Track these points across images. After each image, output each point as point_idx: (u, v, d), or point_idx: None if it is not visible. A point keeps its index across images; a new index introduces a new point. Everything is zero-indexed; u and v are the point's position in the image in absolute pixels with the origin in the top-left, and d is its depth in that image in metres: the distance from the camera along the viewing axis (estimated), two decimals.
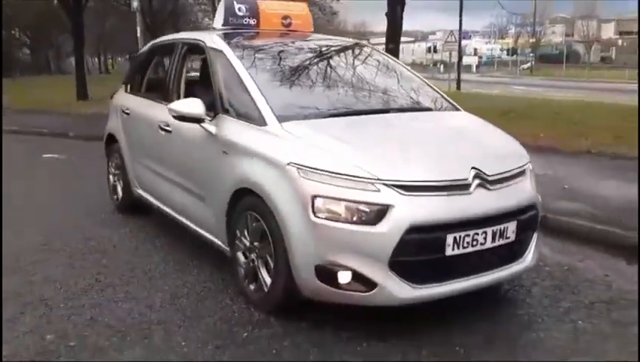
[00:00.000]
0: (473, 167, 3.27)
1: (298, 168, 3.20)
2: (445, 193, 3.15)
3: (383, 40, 13.45)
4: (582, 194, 5.92)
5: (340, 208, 3.07)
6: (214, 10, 29.98)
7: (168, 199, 4.61)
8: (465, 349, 3.11)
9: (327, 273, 3.11)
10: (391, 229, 3.01)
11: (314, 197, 3.11)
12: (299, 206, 3.16)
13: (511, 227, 3.33)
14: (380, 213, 3.04)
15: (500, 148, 3.73)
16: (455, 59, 28.30)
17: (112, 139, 5.79)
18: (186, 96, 4.56)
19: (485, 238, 3.22)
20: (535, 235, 3.62)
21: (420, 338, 3.20)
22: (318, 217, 3.10)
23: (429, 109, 4.20)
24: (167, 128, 4.46)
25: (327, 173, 3.13)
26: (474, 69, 50.73)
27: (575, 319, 3.46)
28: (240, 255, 3.70)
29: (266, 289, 3.45)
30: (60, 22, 25.15)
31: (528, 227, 3.50)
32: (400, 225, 3.02)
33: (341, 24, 46.85)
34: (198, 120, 3.90)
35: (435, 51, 51.97)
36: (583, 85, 31.96)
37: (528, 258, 3.56)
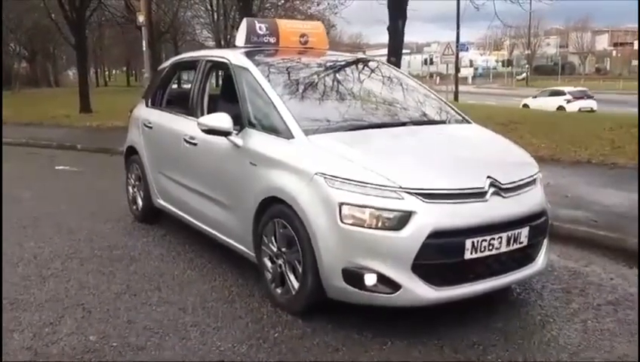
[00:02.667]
0: (488, 176, 3.50)
1: (325, 178, 3.43)
2: (463, 200, 3.38)
3: (380, 52, 13.77)
4: (584, 202, 6.17)
5: (365, 215, 3.30)
6: (213, 22, 30.09)
7: (191, 209, 4.83)
8: (483, 346, 3.32)
9: (353, 275, 3.34)
10: (414, 234, 3.24)
11: (341, 204, 3.34)
12: (326, 213, 3.38)
13: (524, 232, 3.56)
14: (403, 219, 3.26)
15: (511, 159, 3.98)
16: (451, 71, 28.69)
17: (132, 152, 6.00)
18: (209, 111, 4.79)
19: (500, 243, 3.45)
20: (545, 240, 3.85)
21: (441, 337, 3.42)
22: (345, 223, 3.33)
23: (442, 122, 4.44)
24: (193, 141, 4.68)
25: (353, 182, 3.36)
26: (470, 81, 51.26)
27: (584, 319, 3.68)
28: (267, 260, 3.91)
29: (293, 292, 3.67)
30: (58, 34, 25.34)
31: (539, 232, 3.73)
32: (422, 230, 3.25)
33: (337, 36, 47.37)
34: (225, 133, 4.13)
35: (432, 63, 52.55)
36: None
37: (539, 261, 3.79)
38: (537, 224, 3.68)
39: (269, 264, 3.90)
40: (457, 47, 26.63)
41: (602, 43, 70.45)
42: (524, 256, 3.67)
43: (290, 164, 3.68)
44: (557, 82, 45.60)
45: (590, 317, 3.71)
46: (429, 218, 3.27)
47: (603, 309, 3.84)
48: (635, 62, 59.81)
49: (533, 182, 3.80)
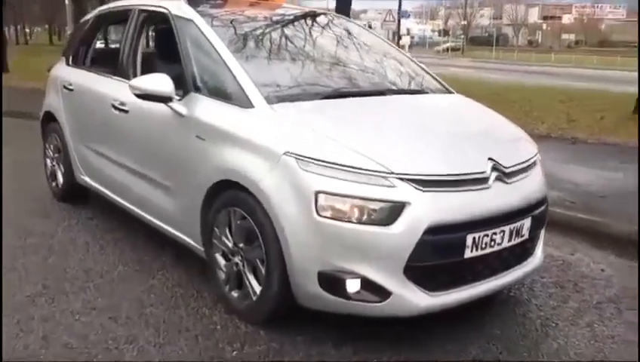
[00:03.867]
0: (490, 158, 2.92)
1: (298, 159, 2.75)
2: (464, 188, 2.79)
3: None
4: (554, 180, 5.74)
5: (348, 206, 2.65)
6: None
7: (123, 189, 4.02)
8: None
9: (332, 281, 2.70)
10: (408, 230, 2.62)
11: (317, 193, 2.67)
12: (298, 203, 2.71)
13: (526, 224, 3.03)
14: (395, 211, 2.63)
15: (508, 136, 3.41)
16: (391, 38, 28.24)
17: (50, 118, 5.08)
18: (144, 71, 3.97)
19: (502, 237, 2.90)
20: (542, 231, 3.34)
21: (433, 351, 2.85)
22: (322, 216, 2.67)
23: (424, 91, 3.81)
24: (123, 107, 3.86)
25: (332, 166, 2.69)
26: (407, 49, 51.19)
27: (589, 322, 3.21)
28: (219, 257, 3.21)
29: (254, 298, 2.99)
30: None
31: (540, 223, 3.21)
32: (418, 225, 2.63)
33: None
34: (165, 99, 3.34)
35: (370, 27, 51.83)
36: (514, 67, 32.79)
37: (538, 255, 3.28)
38: (538, 213, 3.15)
39: (222, 261, 3.20)
40: (399, 13, 26.11)
41: (533, 16, 72.07)
42: (523, 251, 3.14)
43: (249, 140, 2.96)
44: (491, 53, 46.21)
45: (595, 320, 3.24)
46: (426, 210, 2.66)
47: (605, 309, 3.38)
48: (565, 36, 61.56)
49: (534, 164, 3.25)
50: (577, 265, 4.01)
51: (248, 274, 3.02)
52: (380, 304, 2.68)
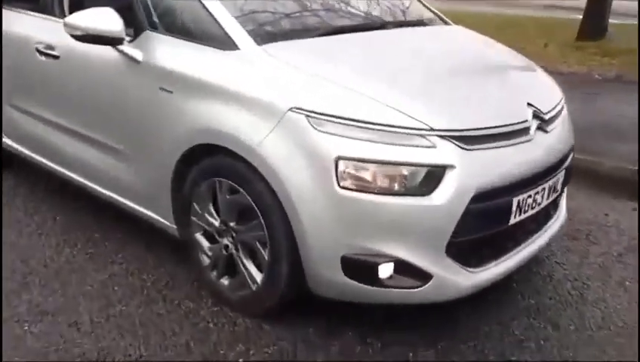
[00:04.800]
0: (529, 104, 2.45)
1: (309, 116, 2.15)
2: (509, 142, 2.31)
3: None
4: None
5: (377, 174, 2.11)
6: None
7: (62, 155, 3.25)
8: (536, 344, 2.40)
9: (359, 266, 2.18)
10: (452, 200, 2.12)
11: (338, 159, 2.10)
12: (313, 173, 2.14)
13: (560, 177, 2.63)
14: (435, 177, 2.12)
15: (534, 75, 2.94)
16: None
17: None
18: (75, 6, 3.14)
19: (542, 196, 2.49)
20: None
21: (471, 334, 2.44)
22: (346, 188, 2.11)
23: (423, 23, 3.23)
24: (52, 52, 3.06)
25: (356, 124, 2.12)
26: None
27: (620, 280, 2.90)
28: (200, 237, 2.61)
29: (253, 287, 2.44)
30: None
31: (570, 175, 2.81)
32: (463, 192, 2.14)
33: None
34: (113, 40, 2.60)
35: None
36: None
37: (562, 212, 2.90)
38: (569, 164, 2.75)
39: (205, 243, 2.60)
40: None
41: None
42: (553, 207, 2.76)
43: (237, 93, 2.32)
44: None
45: (625, 276, 2.94)
46: (472, 173, 2.16)
47: (629, 261, 3.09)
48: None
49: (563, 107, 2.82)
50: (578, 210, 3.67)
51: (244, 259, 2.45)
52: (418, 289, 2.21)
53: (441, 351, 2.34)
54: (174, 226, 2.73)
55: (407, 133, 2.12)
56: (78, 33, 2.60)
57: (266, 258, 2.34)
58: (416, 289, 2.21)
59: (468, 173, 2.15)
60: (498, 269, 2.38)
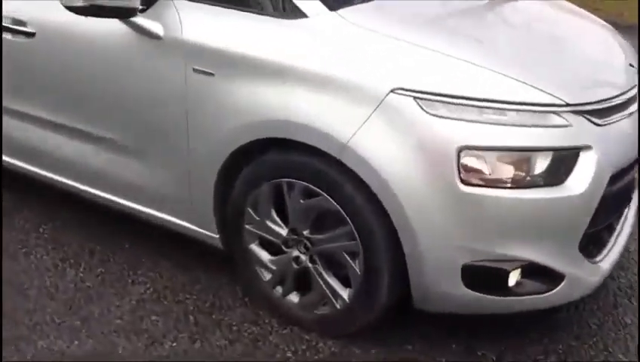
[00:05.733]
0: (630, 64, 2.14)
1: (417, 97, 1.72)
2: (626, 112, 1.98)
3: None
4: None
5: (507, 164, 1.73)
6: None
7: (59, 162, 2.57)
8: None
9: (485, 275, 1.82)
10: (589, 186, 1.78)
11: (461, 149, 1.70)
12: (427, 168, 1.73)
13: None
14: (570, 161, 1.77)
15: (618, 38, 2.60)
16: None
17: None
18: None
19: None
20: None
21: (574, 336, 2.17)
22: (470, 184, 1.72)
23: None
24: (24, 29, 2.40)
25: (480, 103, 1.72)
26: None
27: None
28: (257, 248, 2.15)
29: (338, 305, 2.02)
30: None
31: None
32: (600, 176, 1.81)
33: None
34: (127, 12, 2.02)
35: None
36: None
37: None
38: None
39: (264, 255, 2.15)
40: None
41: None
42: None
43: (313, 73, 1.84)
44: None
45: None
46: (605, 153, 1.83)
47: None
48: None
49: None
50: None
51: (324, 272, 2.02)
52: (550, 293, 1.88)
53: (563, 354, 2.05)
54: (215, 236, 2.24)
55: (542, 112, 1.74)
56: (79, 4, 1.99)
57: (358, 271, 1.93)
58: (546, 294, 1.88)
59: (603, 153, 1.81)
60: (613, 254, 2.09)
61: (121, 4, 1.98)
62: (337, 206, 1.88)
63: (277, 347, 2.07)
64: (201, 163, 2.11)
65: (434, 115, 1.71)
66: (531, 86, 1.75)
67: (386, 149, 1.75)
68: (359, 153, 1.77)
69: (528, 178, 1.74)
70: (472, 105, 1.71)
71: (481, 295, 1.85)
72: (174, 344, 2.09)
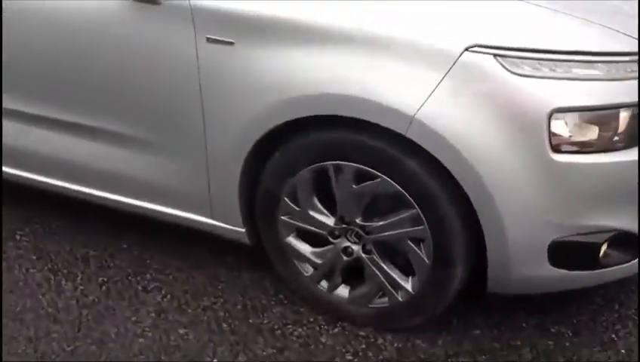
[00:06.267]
0: None
1: (498, 55, 1.46)
2: None
3: None
4: None
5: (602, 125, 1.51)
6: None
7: (38, 157, 2.19)
8: None
9: (575, 250, 1.62)
10: None
11: (553, 113, 1.46)
12: (513, 136, 1.49)
13: None
14: None
15: None
16: None
17: None
18: None
19: None
20: None
21: None
22: (563, 152, 1.50)
23: None
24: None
25: (572, 58, 1.47)
26: None
27: None
28: (295, 241, 1.88)
29: (399, 296, 1.79)
30: None
31: None
32: None
33: None
34: None
35: None
36: None
37: None
38: None
39: (304, 247, 1.88)
40: None
41: None
42: None
43: (364, 34, 1.54)
44: None
45: None
46: None
47: None
48: None
49: None
50: None
51: (381, 262, 1.77)
52: (632, 262, 1.70)
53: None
54: (241, 230, 1.95)
55: (632, 62, 1.52)
56: None
57: (425, 259, 1.69)
58: (629, 263, 1.70)
59: None
60: None
61: None
62: (400, 188, 1.62)
63: (333, 349, 1.84)
64: (221, 150, 1.80)
65: (519, 75, 1.45)
66: (623, 33, 1.52)
67: (461, 118, 1.49)
68: (430, 126, 1.50)
69: (616, 139, 1.53)
70: (561, 60, 1.46)
71: (568, 271, 1.65)
72: (215, 360, 1.82)
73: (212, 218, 1.98)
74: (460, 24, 1.50)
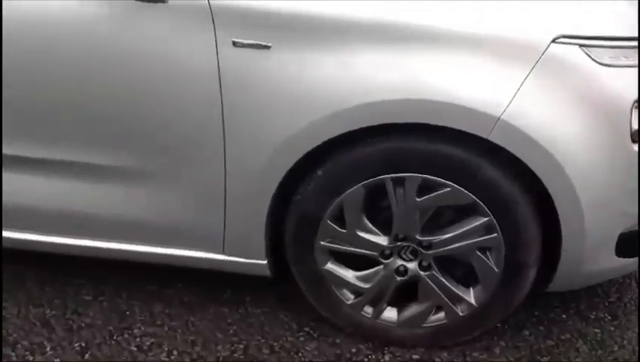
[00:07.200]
0: None
1: (584, 45, 1.36)
2: None
3: None
4: None
5: None
6: None
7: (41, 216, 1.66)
8: None
9: (636, 239, 1.60)
10: None
11: (635, 103, 1.41)
12: (599, 129, 1.41)
13: None
14: None
15: None
16: None
17: None
18: None
19: None
20: None
21: None
22: (636, 141, 1.45)
23: None
24: None
25: None
26: None
27: None
28: (335, 267, 1.65)
29: (459, 311, 1.65)
30: None
31: None
32: None
33: None
34: None
35: None
36: None
37: None
38: None
39: (346, 273, 1.65)
40: None
41: None
42: None
43: (444, 30, 1.36)
44: None
45: None
46: None
47: None
48: None
49: None
50: None
51: (442, 278, 1.61)
52: None
53: None
54: (263, 262, 1.68)
55: None
56: None
57: (495, 268, 1.57)
58: None
59: None
60: None
61: None
62: (473, 196, 1.47)
63: None
64: (247, 175, 1.51)
65: (605, 65, 1.37)
66: None
67: (549, 116, 1.38)
68: (517, 126, 1.37)
69: None
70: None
71: (629, 260, 1.63)
72: None
73: (223, 253, 1.68)
74: (542, 16, 1.38)
